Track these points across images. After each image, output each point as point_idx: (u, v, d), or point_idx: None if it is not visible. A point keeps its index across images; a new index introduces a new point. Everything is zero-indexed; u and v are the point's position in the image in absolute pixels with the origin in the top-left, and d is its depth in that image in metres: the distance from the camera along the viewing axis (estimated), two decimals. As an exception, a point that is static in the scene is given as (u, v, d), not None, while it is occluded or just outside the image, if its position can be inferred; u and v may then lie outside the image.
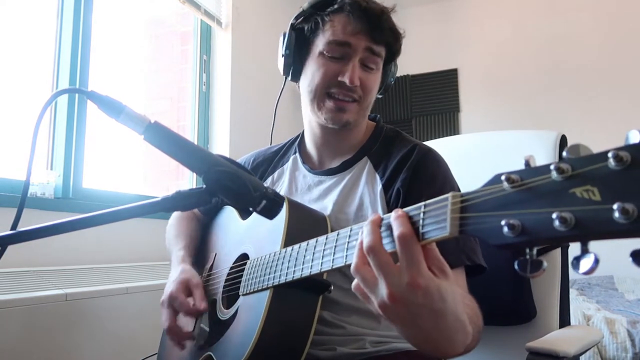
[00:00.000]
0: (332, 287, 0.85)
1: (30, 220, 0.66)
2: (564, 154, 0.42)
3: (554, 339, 1.07)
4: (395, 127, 1.12)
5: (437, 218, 0.52)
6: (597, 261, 0.41)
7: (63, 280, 1.55)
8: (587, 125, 3.47)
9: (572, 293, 2.67)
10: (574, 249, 0.46)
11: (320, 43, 1.00)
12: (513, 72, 3.88)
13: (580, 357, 1.07)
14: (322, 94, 1.00)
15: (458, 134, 3.92)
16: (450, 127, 4.01)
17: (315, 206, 1.02)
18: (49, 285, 1.48)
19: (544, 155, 1.29)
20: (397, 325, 0.58)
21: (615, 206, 0.37)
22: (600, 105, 3.57)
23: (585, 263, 0.41)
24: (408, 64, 3.95)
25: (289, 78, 1.08)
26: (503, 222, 0.44)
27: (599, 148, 0.40)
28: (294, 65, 1.04)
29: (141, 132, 0.67)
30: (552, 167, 0.42)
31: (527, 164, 0.45)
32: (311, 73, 1.01)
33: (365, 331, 0.95)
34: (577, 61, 3.68)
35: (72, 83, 1.96)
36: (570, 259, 0.77)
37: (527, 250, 0.45)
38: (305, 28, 1.02)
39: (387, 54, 1.03)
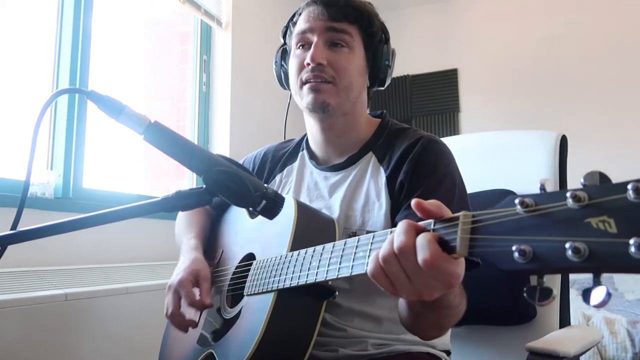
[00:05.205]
0: (337, 293, 0.85)
1: (30, 220, 0.66)
2: (582, 180, 0.40)
3: (554, 339, 1.07)
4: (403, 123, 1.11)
5: (446, 237, 0.51)
6: (608, 294, 0.40)
7: (63, 280, 1.55)
8: (588, 126, 3.46)
9: (572, 293, 2.66)
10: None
11: (292, 42, 1.04)
12: (513, 72, 3.87)
13: (580, 357, 1.07)
14: (300, 83, 1.01)
15: (458, 134, 3.92)
16: (450, 127, 4.01)
17: (322, 204, 1.02)
18: (49, 285, 1.48)
19: (544, 155, 1.29)
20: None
21: (632, 241, 0.36)
22: (600, 105, 3.56)
23: (597, 295, 0.40)
24: (408, 64, 3.95)
25: (285, 87, 1.12)
26: (514, 247, 0.43)
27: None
28: (283, 74, 1.10)
29: (141, 132, 0.67)
30: (568, 194, 0.40)
31: (542, 187, 0.44)
32: (290, 70, 1.05)
33: (366, 334, 0.94)
34: (577, 61, 3.67)
35: (72, 83, 1.96)
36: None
37: (537, 278, 0.44)
38: (286, 39, 1.09)
39: (362, 33, 1.02)
